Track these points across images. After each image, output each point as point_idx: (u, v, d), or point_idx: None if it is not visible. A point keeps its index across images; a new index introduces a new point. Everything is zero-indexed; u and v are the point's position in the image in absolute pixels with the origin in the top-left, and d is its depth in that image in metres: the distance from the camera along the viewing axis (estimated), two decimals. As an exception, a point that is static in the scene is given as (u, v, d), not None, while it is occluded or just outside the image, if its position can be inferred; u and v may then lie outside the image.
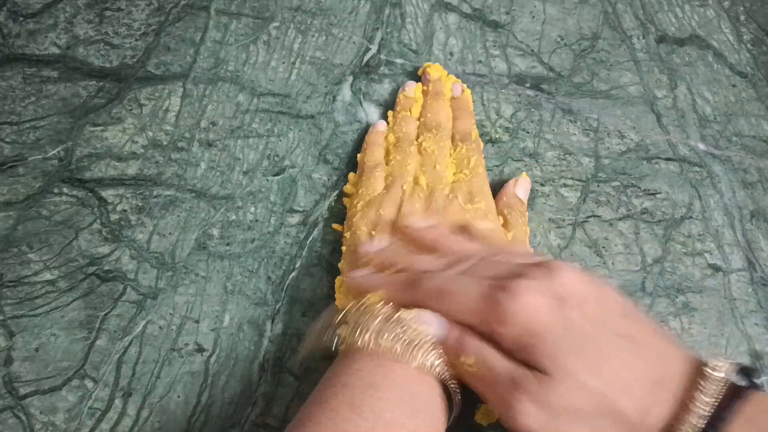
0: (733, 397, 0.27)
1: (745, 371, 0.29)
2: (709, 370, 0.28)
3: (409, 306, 0.32)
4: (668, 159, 0.47)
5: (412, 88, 0.46)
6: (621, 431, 0.28)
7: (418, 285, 0.32)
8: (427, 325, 0.31)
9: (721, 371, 0.28)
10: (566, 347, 0.28)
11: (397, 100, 0.46)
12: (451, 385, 0.33)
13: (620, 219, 0.45)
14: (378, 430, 0.29)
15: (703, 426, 0.27)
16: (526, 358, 0.29)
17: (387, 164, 0.43)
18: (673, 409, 0.27)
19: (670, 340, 0.30)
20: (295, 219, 0.44)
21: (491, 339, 0.30)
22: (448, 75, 0.47)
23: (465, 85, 0.47)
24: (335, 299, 0.41)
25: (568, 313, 0.28)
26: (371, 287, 0.34)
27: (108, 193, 0.44)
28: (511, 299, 0.29)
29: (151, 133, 0.46)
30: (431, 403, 0.32)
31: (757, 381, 0.28)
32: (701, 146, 0.48)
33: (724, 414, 0.27)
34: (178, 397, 0.40)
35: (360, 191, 0.42)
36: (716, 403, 0.27)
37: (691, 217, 0.45)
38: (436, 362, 0.32)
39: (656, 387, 0.28)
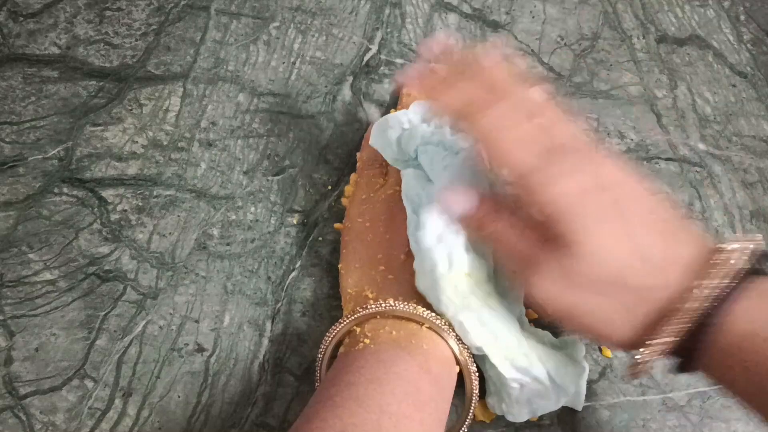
0: (741, 279, 0.27)
1: (760, 256, 0.29)
2: (724, 254, 0.28)
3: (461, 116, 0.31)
4: (668, 159, 0.47)
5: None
6: (632, 301, 0.28)
7: (475, 116, 0.31)
8: (457, 204, 0.32)
9: (733, 255, 0.28)
10: (594, 220, 0.28)
11: (400, 98, 0.47)
12: (471, 368, 0.34)
13: (620, 219, 0.45)
14: (384, 422, 0.29)
15: (708, 303, 0.27)
16: (555, 229, 0.29)
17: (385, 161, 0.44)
18: (683, 285, 0.28)
19: (692, 228, 0.30)
20: (295, 219, 0.44)
21: (521, 204, 0.31)
22: None
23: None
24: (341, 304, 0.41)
25: (599, 195, 0.29)
26: (433, 91, 0.33)
27: (108, 193, 0.44)
28: (551, 181, 0.29)
29: (151, 133, 0.46)
30: (435, 396, 0.32)
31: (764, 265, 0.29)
32: (701, 146, 0.48)
33: (730, 294, 0.27)
34: (178, 397, 0.40)
35: (358, 188, 0.42)
36: (723, 284, 0.27)
37: (691, 217, 0.45)
38: (453, 344, 0.34)
39: (672, 264, 0.28)
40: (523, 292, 0.33)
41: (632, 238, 0.28)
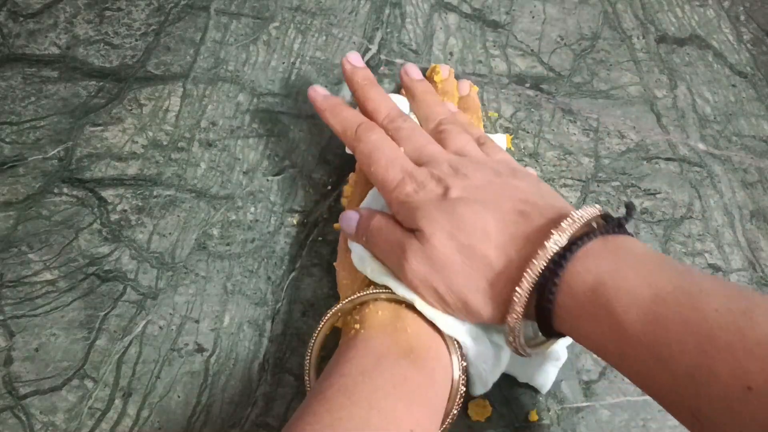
0: (582, 238, 0.30)
1: (608, 218, 0.32)
2: (569, 218, 0.30)
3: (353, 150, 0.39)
4: (668, 159, 0.47)
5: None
6: (488, 275, 0.32)
7: (359, 140, 0.38)
8: (348, 221, 0.37)
9: (577, 218, 0.30)
10: (441, 215, 0.33)
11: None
12: (456, 347, 0.34)
13: (620, 219, 0.45)
14: (373, 417, 0.29)
15: (549, 262, 0.30)
16: (411, 226, 0.34)
17: None
18: (531, 253, 0.30)
19: (548, 204, 0.33)
20: (295, 219, 0.44)
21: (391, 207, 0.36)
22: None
23: (472, 83, 0.47)
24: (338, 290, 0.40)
25: (441, 201, 0.34)
26: (329, 109, 0.40)
27: (108, 193, 0.44)
28: (413, 194, 0.35)
29: (151, 133, 0.46)
30: (424, 385, 0.32)
31: (616, 226, 0.31)
32: (701, 146, 0.48)
33: (570, 250, 0.29)
34: (178, 397, 0.40)
35: (357, 186, 0.42)
36: (559, 249, 0.30)
37: (691, 217, 0.45)
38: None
39: (519, 238, 0.32)
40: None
41: (476, 223, 0.32)
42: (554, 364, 0.38)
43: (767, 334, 0.23)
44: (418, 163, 0.36)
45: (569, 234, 0.30)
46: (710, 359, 0.24)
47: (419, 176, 0.35)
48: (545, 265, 0.30)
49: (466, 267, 0.32)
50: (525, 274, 0.30)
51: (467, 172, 0.35)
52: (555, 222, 0.31)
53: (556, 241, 0.30)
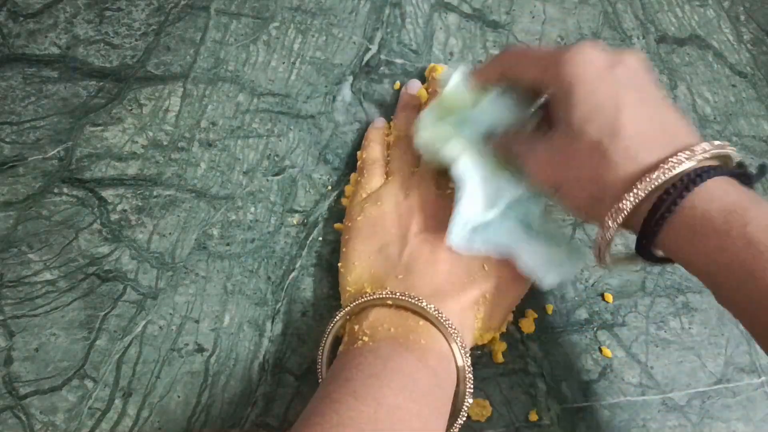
0: (716, 168, 0.30)
1: (742, 166, 0.32)
2: (705, 143, 0.30)
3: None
4: (668, 159, 0.47)
5: (416, 87, 0.46)
6: (605, 174, 0.32)
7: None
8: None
9: (714, 146, 0.30)
10: (591, 92, 0.32)
11: (400, 97, 0.47)
12: (463, 356, 0.34)
13: (620, 219, 0.45)
14: (381, 414, 0.30)
15: (679, 181, 0.30)
16: (557, 107, 0.34)
17: (386, 161, 0.44)
18: (651, 163, 0.30)
19: (684, 127, 0.33)
20: (295, 219, 0.44)
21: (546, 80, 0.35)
22: None
23: None
24: (340, 292, 0.40)
25: (613, 73, 0.33)
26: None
27: (108, 193, 0.44)
28: (572, 54, 0.33)
29: (151, 133, 0.46)
30: (434, 389, 0.32)
31: (744, 176, 0.31)
32: (701, 146, 0.48)
33: (701, 177, 0.30)
34: (178, 397, 0.40)
35: (359, 187, 0.42)
36: (688, 172, 0.30)
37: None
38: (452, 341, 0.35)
39: (649, 145, 0.31)
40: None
41: (619, 117, 0.31)
42: (566, 267, 0.38)
43: None
44: None
45: (699, 159, 0.30)
46: None
47: (584, 44, 0.34)
48: (662, 183, 0.30)
49: (585, 160, 0.32)
50: (641, 183, 0.30)
51: (623, 60, 0.33)
52: (681, 145, 0.31)
53: (681, 166, 0.30)
